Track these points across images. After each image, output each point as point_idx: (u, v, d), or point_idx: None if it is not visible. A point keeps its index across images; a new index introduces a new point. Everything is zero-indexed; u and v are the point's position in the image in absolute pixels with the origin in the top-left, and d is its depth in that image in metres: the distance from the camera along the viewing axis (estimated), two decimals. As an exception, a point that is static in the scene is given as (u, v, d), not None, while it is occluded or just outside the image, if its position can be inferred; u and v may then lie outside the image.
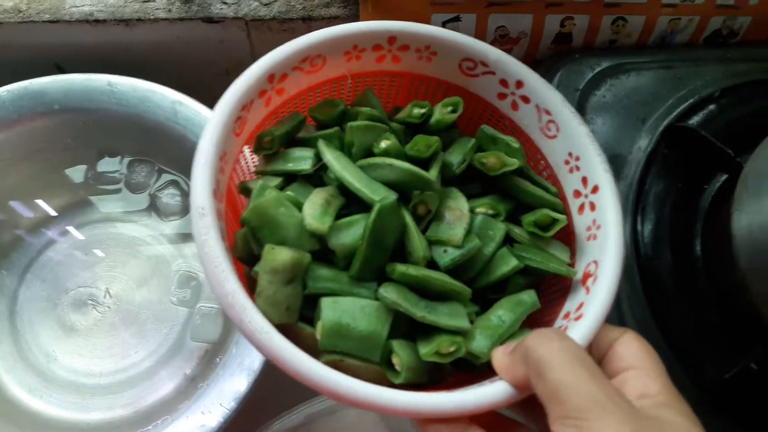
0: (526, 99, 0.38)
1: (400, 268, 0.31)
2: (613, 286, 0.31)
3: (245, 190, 0.37)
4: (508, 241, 0.36)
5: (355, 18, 0.53)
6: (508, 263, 0.33)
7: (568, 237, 0.37)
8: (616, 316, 0.42)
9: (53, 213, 0.57)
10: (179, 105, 0.52)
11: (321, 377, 0.27)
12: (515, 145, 0.37)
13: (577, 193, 0.36)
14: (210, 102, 0.53)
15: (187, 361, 0.51)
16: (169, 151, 0.54)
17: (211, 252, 0.29)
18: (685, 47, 0.53)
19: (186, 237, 0.56)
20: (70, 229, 0.57)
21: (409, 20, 0.50)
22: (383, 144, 0.35)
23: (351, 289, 0.32)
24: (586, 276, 0.33)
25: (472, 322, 0.32)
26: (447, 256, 0.33)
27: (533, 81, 0.38)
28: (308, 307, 0.32)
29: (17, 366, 0.51)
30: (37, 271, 0.55)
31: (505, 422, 0.30)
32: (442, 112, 0.38)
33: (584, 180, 0.36)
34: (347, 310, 0.31)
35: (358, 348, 0.31)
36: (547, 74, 0.51)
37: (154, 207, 0.57)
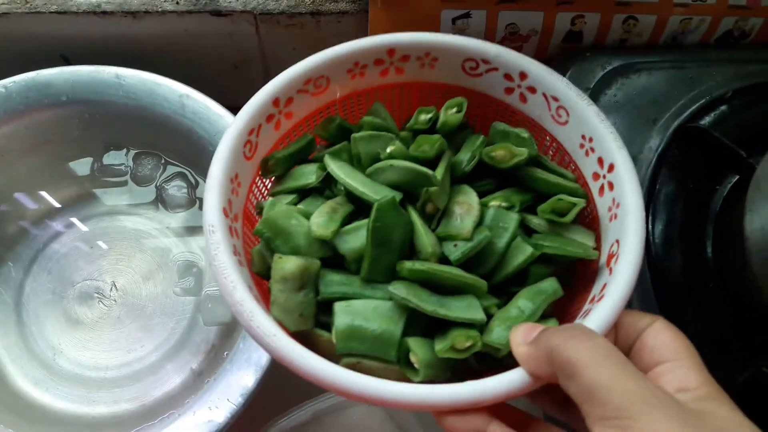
0: (532, 89, 0.38)
1: (408, 264, 0.31)
2: (635, 262, 0.31)
3: (261, 211, 0.37)
4: (528, 232, 0.36)
5: (363, 13, 0.53)
6: (524, 252, 0.33)
7: (592, 222, 0.36)
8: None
9: (57, 205, 0.57)
10: (187, 98, 0.52)
11: (330, 375, 0.28)
12: (525, 135, 0.37)
13: (596, 176, 0.36)
14: (218, 96, 0.53)
15: (193, 355, 0.51)
16: (176, 144, 0.54)
17: (220, 265, 0.31)
18: (696, 47, 0.53)
19: (192, 230, 0.56)
20: (75, 221, 0.57)
21: (418, 15, 0.50)
22: (389, 149, 0.36)
23: (363, 292, 0.33)
24: (610, 257, 0.33)
25: (492, 315, 0.32)
26: (457, 250, 0.32)
27: (536, 70, 0.38)
28: (324, 314, 0.33)
29: (23, 358, 0.51)
30: (43, 263, 0.55)
31: (531, 421, 0.29)
32: (447, 114, 0.39)
33: (600, 160, 0.35)
34: (360, 312, 0.31)
35: (373, 348, 0.31)
36: (558, 72, 0.50)
37: (160, 199, 0.57)
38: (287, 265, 0.32)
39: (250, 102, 0.36)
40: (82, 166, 0.57)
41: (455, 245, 0.33)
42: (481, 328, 0.31)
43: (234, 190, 0.35)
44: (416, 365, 0.30)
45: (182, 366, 0.51)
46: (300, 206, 0.36)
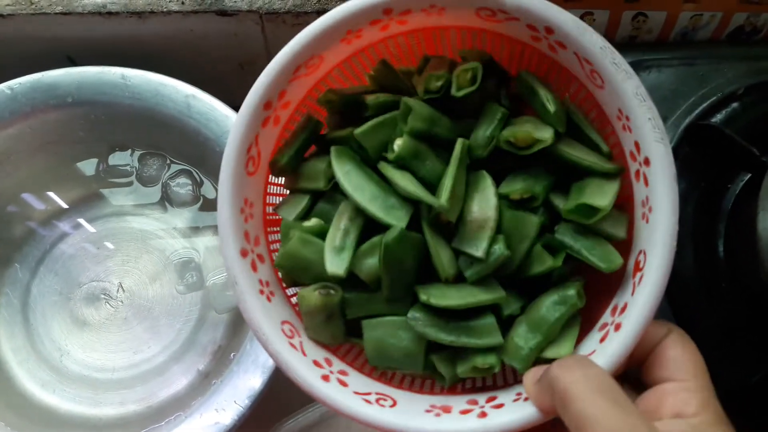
0: (561, 45, 0.32)
1: (423, 296, 0.32)
2: (657, 292, 0.29)
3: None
4: (554, 218, 0.33)
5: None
6: (543, 263, 0.32)
7: (627, 201, 0.33)
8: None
9: (65, 206, 0.57)
10: (192, 99, 0.52)
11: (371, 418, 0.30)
12: (551, 107, 0.32)
13: (633, 156, 0.31)
14: (224, 96, 0.53)
15: (200, 356, 0.51)
16: (182, 144, 0.54)
17: (251, 319, 0.32)
18: (707, 44, 0.52)
19: (197, 230, 0.56)
20: (82, 222, 0.57)
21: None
22: (396, 147, 0.33)
23: (387, 309, 0.33)
24: (636, 267, 0.30)
25: (515, 317, 0.32)
26: (472, 269, 0.32)
27: (564, 26, 0.31)
28: (357, 323, 0.34)
29: (30, 359, 0.51)
30: (50, 264, 0.55)
31: None
32: (460, 81, 0.34)
33: (636, 145, 0.30)
34: (387, 330, 0.33)
35: (402, 363, 0.33)
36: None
37: (165, 197, 0.57)
38: (310, 302, 0.33)
39: (236, 125, 0.33)
40: (88, 167, 0.57)
41: (470, 262, 0.32)
42: (502, 346, 0.32)
43: (247, 218, 0.34)
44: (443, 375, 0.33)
45: (189, 367, 0.51)
46: (312, 222, 0.35)
